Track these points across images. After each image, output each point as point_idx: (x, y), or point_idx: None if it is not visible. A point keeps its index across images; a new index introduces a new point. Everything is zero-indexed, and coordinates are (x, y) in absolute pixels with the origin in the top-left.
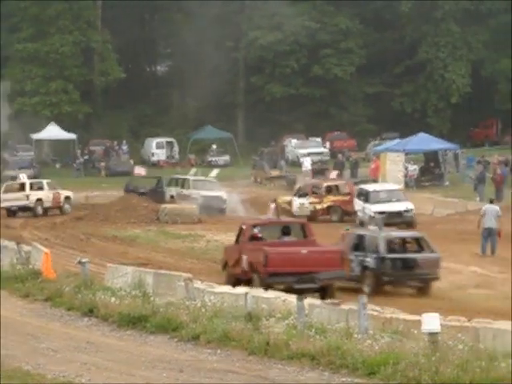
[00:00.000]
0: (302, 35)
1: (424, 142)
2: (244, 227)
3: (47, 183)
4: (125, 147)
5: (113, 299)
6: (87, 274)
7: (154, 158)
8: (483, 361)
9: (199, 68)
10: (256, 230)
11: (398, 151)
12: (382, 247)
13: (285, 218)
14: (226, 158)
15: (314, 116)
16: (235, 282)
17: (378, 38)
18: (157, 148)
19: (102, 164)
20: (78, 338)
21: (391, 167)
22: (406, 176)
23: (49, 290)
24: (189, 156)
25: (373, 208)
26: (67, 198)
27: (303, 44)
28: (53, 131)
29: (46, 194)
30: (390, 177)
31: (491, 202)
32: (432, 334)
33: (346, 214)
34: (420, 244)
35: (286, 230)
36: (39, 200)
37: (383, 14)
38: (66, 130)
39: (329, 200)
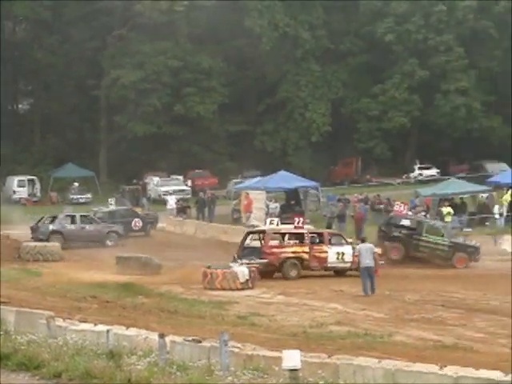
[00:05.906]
0: (164, 73)
1: (285, 179)
2: None
3: None
4: None
5: None
6: None
7: (16, 196)
8: None
9: (60, 106)
10: None
11: (259, 189)
12: None
13: None
14: (88, 195)
15: (177, 154)
16: None
17: (240, 76)
18: (18, 186)
19: None
20: None
21: (253, 205)
22: (267, 214)
23: None
24: (50, 194)
25: None
26: None
27: (165, 82)
28: None
29: None
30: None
31: (363, 240)
32: (293, 371)
33: None
34: None
35: None
36: None
37: (245, 53)
38: None
39: None
